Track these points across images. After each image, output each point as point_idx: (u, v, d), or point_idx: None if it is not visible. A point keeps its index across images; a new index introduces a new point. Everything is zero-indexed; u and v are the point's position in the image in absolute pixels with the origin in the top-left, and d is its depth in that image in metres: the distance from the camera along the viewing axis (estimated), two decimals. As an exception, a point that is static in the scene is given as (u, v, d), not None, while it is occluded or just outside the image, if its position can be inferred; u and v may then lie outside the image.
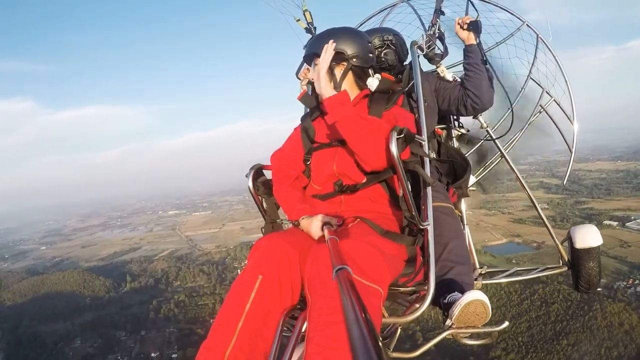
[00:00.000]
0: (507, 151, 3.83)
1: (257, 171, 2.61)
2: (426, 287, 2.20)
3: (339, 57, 2.42)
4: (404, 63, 3.35)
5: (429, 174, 2.38)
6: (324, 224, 2.04)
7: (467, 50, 3.14)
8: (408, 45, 3.32)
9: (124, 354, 50.79)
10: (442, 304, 2.44)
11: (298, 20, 3.39)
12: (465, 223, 3.45)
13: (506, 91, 3.31)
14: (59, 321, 57.35)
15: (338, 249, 1.50)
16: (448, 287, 2.49)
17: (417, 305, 2.20)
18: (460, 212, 3.42)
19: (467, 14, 3.40)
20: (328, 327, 1.55)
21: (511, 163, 3.81)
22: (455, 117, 3.73)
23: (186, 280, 67.66)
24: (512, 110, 3.36)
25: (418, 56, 3.15)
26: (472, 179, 3.67)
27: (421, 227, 2.24)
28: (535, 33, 3.94)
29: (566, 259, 3.92)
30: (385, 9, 4.33)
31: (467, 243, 3.38)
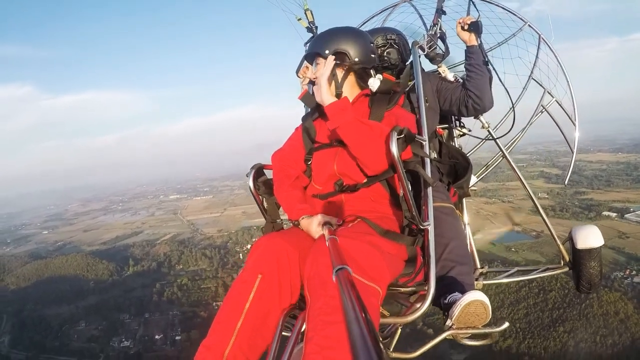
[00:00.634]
0: (508, 151, 3.83)
1: (258, 171, 2.60)
2: (426, 287, 2.20)
3: (340, 58, 2.39)
4: (406, 63, 3.33)
5: (429, 174, 2.37)
6: (324, 223, 2.05)
7: (469, 51, 3.12)
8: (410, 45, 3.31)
9: (129, 336, 51.81)
10: (443, 304, 2.45)
11: (299, 19, 3.37)
12: (466, 223, 3.46)
13: (508, 91, 3.31)
14: (63, 304, 58.37)
15: (338, 249, 1.50)
16: (448, 287, 2.49)
17: (418, 305, 2.20)
18: (462, 211, 3.41)
19: (468, 14, 3.39)
20: (327, 327, 1.56)
21: (512, 164, 3.81)
22: (456, 117, 3.71)
23: (188, 264, 68.46)
24: (513, 110, 3.38)
25: (419, 56, 3.12)
26: (474, 179, 3.66)
27: (421, 227, 2.24)
28: (537, 33, 3.91)
29: (567, 259, 3.92)
30: (387, 8, 4.30)
31: (468, 243, 3.40)
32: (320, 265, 1.75)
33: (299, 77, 3.27)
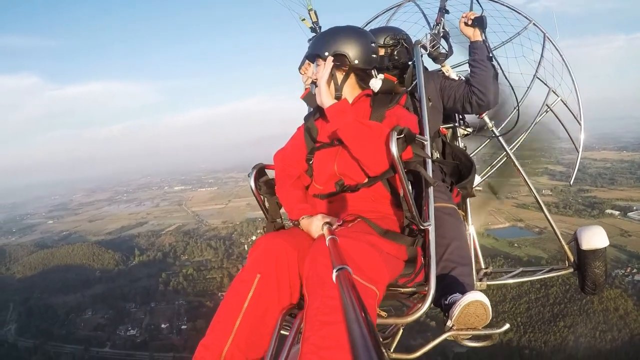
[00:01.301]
0: (512, 151, 3.79)
1: (260, 170, 2.62)
2: (427, 288, 2.20)
3: (340, 59, 2.37)
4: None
5: (430, 175, 2.36)
6: (324, 223, 2.05)
7: (473, 47, 3.06)
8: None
9: (135, 325, 52.56)
10: (443, 305, 2.45)
11: (303, 19, 3.35)
12: (470, 223, 3.43)
13: (513, 89, 3.29)
14: (70, 293, 59.13)
15: (338, 249, 1.51)
16: (449, 288, 2.49)
17: (419, 306, 2.20)
18: (465, 212, 3.39)
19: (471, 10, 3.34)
20: (324, 327, 1.56)
21: (517, 164, 3.78)
22: (460, 117, 3.68)
23: (194, 255, 69.21)
24: (518, 110, 3.36)
25: (422, 55, 3.09)
26: (477, 179, 3.62)
27: (422, 227, 2.23)
28: (542, 32, 3.85)
29: (572, 260, 3.89)
30: (392, 8, 4.24)
31: (472, 243, 3.39)
32: (319, 265, 1.76)
33: (301, 73, 3.28)
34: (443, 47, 3.26)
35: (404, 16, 4.07)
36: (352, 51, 2.38)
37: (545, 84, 3.89)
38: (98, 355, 48.37)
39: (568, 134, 3.97)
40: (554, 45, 3.82)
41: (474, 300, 2.24)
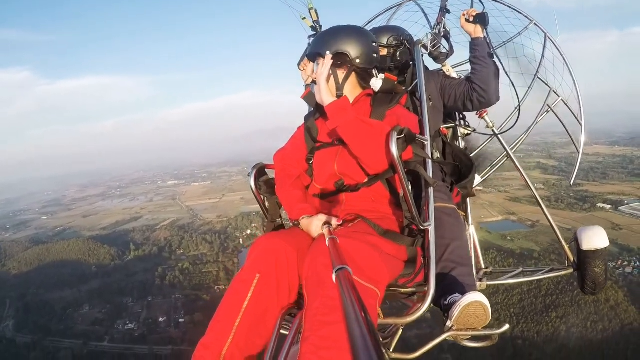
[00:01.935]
0: (513, 150, 3.80)
1: (260, 170, 2.61)
2: (426, 288, 2.20)
3: (341, 59, 2.36)
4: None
5: (430, 175, 2.36)
6: (324, 223, 2.05)
7: (474, 44, 3.04)
8: None
9: (132, 319, 52.65)
10: (443, 305, 2.45)
11: (304, 18, 3.33)
12: (470, 223, 3.43)
13: (514, 85, 3.29)
14: (66, 289, 58.92)
15: (338, 249, 1.51)
16: (449, 288, 2.49)
17: (419, 306, 2.20)
18: (465, 212, 3.37)
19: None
20: (324, 327, 1.56)
21: (517, 164, 3.80)
22: (461, 116, 3.66)
23: (189, 249, 69.04)
24: (519, 109, 3.37)
25: (422, 55, 3.08)
26: (478, 179, 3.62)
27: (422, 227, 2.23)
28: (544, 32, 3.84)
29: (572, 260, 3.89)
30: (392, 7, 4.22)
31: (473, 243, 3.40)
32: (319, 265, 1.76)
33: (300, 69, 3.27)
34: (444, 47, 3.25)
35: (404, 15, 4.05)
36: (353, 50, 2.37)
37: (546, 84, 3.89)
38: (97, 350, 48.37)
39: (569, 135, 3.97)
40: (555, 46, 3.81)
41: (473, 301, 2.26)
